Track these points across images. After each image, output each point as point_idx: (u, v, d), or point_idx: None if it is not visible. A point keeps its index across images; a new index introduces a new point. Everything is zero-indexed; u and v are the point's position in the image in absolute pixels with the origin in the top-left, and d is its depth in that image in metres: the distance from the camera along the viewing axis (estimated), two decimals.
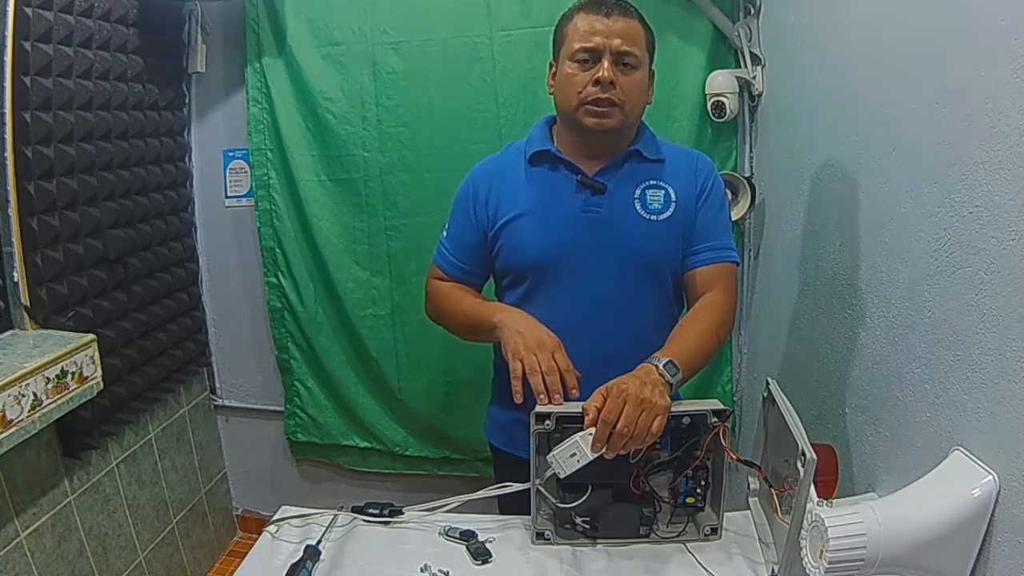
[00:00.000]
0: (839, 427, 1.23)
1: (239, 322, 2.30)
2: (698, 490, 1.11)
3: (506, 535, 1.15)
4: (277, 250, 2.15)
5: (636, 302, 1.27)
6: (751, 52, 1.73)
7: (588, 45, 1.18)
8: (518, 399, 1.10)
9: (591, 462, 0.99)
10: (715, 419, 1.05)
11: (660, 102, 1.80)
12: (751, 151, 1.85)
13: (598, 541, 1.12)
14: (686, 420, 1.07)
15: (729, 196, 1.73)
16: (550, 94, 1.28)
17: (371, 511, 1.19)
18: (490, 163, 1.37)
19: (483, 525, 1.17)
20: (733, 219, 1.71)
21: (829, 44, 1.33)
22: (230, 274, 2.27)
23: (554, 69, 1.27)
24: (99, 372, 1.60)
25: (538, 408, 1.06)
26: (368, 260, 2.09)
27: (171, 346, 2.06)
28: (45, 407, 1.44)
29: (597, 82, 1.17)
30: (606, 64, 1.17)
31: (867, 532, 0.79)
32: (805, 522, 0.87)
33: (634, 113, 1.23)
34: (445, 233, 1.37)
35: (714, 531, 1.11)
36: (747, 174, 1.83)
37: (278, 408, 2.33)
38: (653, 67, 1.27)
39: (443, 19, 1.91)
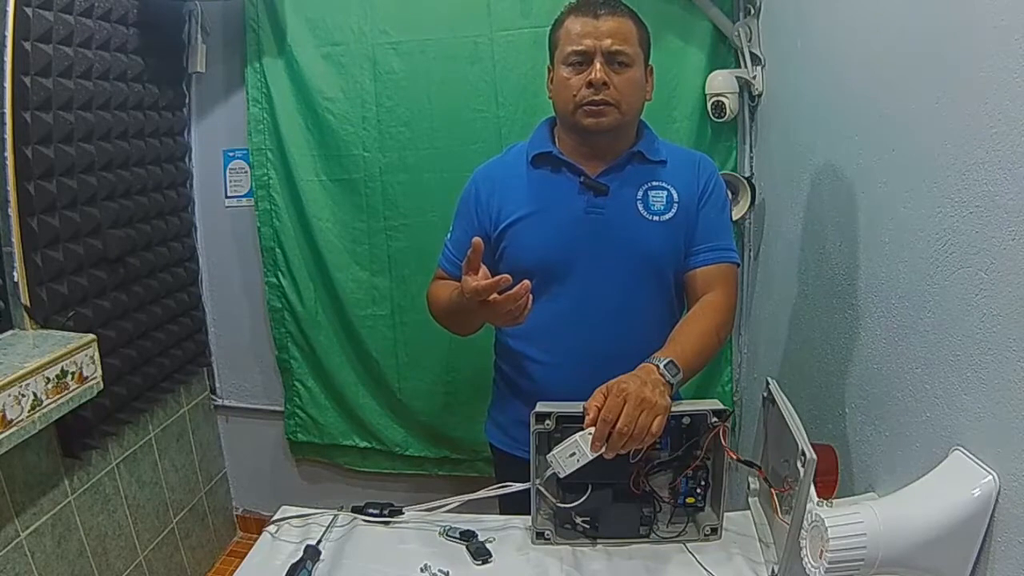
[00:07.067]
0: (839, 427, 1.23)
1: (239, 322, 2.30)
2: (698, 490, 1.11)
3: (506, 535, 1.15)
4: (277, 250, 2.15)
5: (638, 302, 1.27)
6: (751, 52, 1.73)
7: (579, 48, 1.18)
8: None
9: (591, 462, 0.99)
10: (715, 419, 1.04)
11: (660, 102, 1.81)
12: (751, 151, 1.85)
13: (598, 541, 1.12)
14: (686, 420, 1.07)
15: (729, 196, 1.73)
16: (549, 98, 1.29)
17: (371, 511, 1.19)
18: (492, 165, 1.37)
19: (483, 525, 1.17)
20: (733, 219, 1.71)
21: (829, 44, 1.33)
22: (230, 274, 2.27)
23: (551, 74, 1.27)
24: (99, 372, 1.60)
25: (538, 408, 1.06)
26: (368, 260, 2.09)
27: (171, 346, 2.06)
28: (45, 407, 1.44)
29: (590, 84, 1.17)
30: (598, 65, 1.17)
31: (867, 532, 0.79)
32: (805, 522, 0.87)
33: (631, 111, 1.23)
34: (449, 236, 1.37)
35: (714, 531, 1.11)
36: (747, 174, 1.83)
37: (278, 408, 2.33)
38: (651, 63, 1.27)
39: (443, 19, 1.91)
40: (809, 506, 0.87)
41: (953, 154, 0.86)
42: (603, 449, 0.98)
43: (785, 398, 1.04)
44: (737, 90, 1.77)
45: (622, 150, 1.27)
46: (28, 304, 1.57)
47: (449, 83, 1.93)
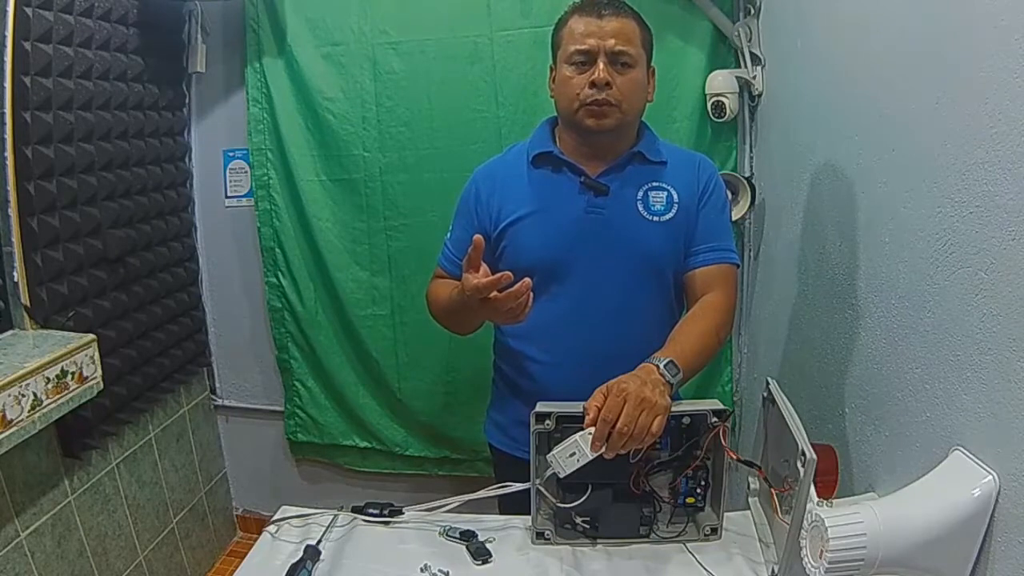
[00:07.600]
0: (839, 427, 1.23)
1: (239, 322, 2.30)
2: (698, 490, 1.11)
3: (506, 535, 1.15)
4: (277, 250, 2.15)
5: (638, 302, 1.27)
6: (751, 52, 1.73)
7: (582, 47, 1.19)
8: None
9: (591, 462, 0.99)
10: (715, 419, 1.04)
11: (660, 102, 1.80)
12: (751, 151, 1.85)
13: (598, 541, 1.12)
14: (686, 420, 1.07)
15: (729, 196, 1.73)
16: (551, 97, 1.29)
17: (371, 511, 1.19)
18: (492, 165, 1.37)
19: (483, 525, 1.17)
20: (733, 219, 1.71)
21: (829, 44, 1.33)
22: (230, 274, 2.27)
23: (554, 72, 1.27)
24: (99, 372, 1.60)
25: (538, 407, 1.06)
26: (368, 260, 2.09)
27: (171, 346, 2.06)
28: (45, 407, 1.44)
29: (593, 84, 1.17)
30: (601, 65, 1.17)
31: (867, 532, 0.79)
32: (805, 522, 0.87)
33: (633, 111, 1.23)
34: (449, 235, 1.38)
35: (714, 531, 1.11)
36: (747, 174, 1.83)
37: (278, 408, 2.33)
38: (653, 64, 1.27)
39: (443, 19, 1.91)
40: (809, 506, 0.87)
41: (953, 154, 0.86)
42: (603, 449, 0.98)
43: (785, 398, 1.04)
44: (737, 90, 1.77)
45: (623, 150, 1.27)
46: (28, 304, 1.57)
47: (449, 83, 1.93)
